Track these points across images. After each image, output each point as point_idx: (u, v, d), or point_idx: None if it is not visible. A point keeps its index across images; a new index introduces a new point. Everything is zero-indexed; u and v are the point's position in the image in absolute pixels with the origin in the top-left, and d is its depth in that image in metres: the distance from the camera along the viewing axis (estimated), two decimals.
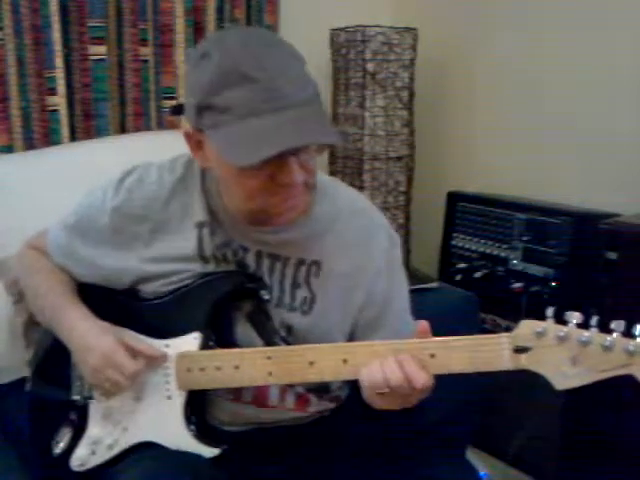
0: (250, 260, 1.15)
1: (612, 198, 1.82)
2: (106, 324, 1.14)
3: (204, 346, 1.12)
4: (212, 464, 1.09)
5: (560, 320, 0.92)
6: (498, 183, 2.16)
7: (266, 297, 1.13)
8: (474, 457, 1.76)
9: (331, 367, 1.01)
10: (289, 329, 1.15)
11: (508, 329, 1.96)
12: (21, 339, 1.62)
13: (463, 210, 2.07)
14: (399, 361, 0.96)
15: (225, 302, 1.13)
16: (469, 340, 0.96)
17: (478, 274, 1.98)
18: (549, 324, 0.92)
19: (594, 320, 0.90)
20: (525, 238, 1.88)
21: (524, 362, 0.93)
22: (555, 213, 1.82)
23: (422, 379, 0.95)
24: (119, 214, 1.16)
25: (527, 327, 0.93)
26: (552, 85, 2.04)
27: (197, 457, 1.10)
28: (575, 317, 0.91)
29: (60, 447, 1.20)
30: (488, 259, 1.98)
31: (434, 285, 1.81)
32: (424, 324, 0.99)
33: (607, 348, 0.88)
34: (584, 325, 0.91)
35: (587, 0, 1.93)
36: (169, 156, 1.21)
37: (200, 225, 1.14)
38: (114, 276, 1.19)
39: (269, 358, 1.05)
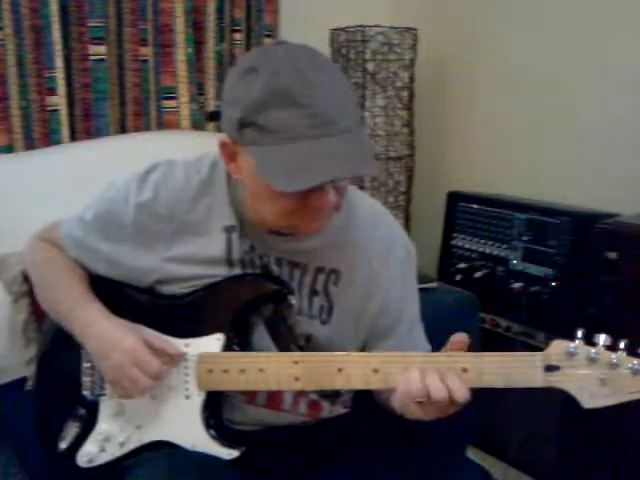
0: (272, 267, 1.15)
1: (612, 198, 1.82)
2: (124, 321, 1.13)
3: (227, 348, 1.11)
4: (227, 464, 1.09)
5: (589, 341, 0.95)
6: (498, 183, 2.16)
7: (293, 302, 1.13)
8: (474, 457, 1.76)
9: (360, 375, 1.01)
10: (308, 338, 1.15)
11: (508, 329, 1.97)
12: (20, 338, 1.62)
13: (463, 210, 2.07)
14: (441, 373, 0.96)
15: (251, 304, 1.13)
16: (502, 356, 0.98)
17: (478, 274, 1.97)
18: (580, 345, 0.95)
19: (622, 343, 0.94)
20: (525, 238, 1.88)
21: (555, 380, 0.96)
22: (555, 213, 1.82)
23: (463, 393, 0.95)
24: (144, 212, 1.14)
25: (558, 347, 0.96)
26: (552, 85, 2.04)
27: (213, 457, 1.10)
28: (603, 339, 0.94)
29: (66, 442, 1.19)
30: (488, 259, 1.98)
31: (434, 285, 1.81)
32: (461, 337, 0.99)
33: (637, 371, 0.92)
34: (612, 347, 0.94)
35: (587, 0, 1.93)
36: (169, 155, 1.21)
37: (229, 229, 1.13)
38: (133, 275, 1.17)
39: (296, 363, 1.04)
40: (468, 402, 0.96)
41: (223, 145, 1.04)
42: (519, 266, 1.89)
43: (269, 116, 0.94)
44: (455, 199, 2.11)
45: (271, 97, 0.94)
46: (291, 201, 0.99)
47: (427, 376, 0.96)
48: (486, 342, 1.72)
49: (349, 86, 1.03)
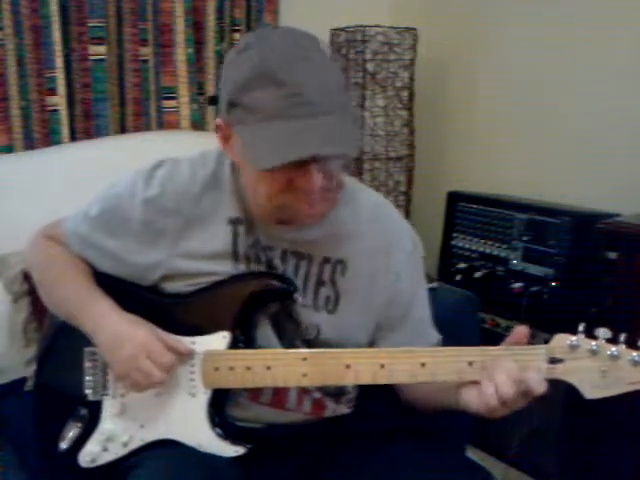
0: (277, 260, 1.14)
1: (612, 198, 1.82)
2: (135, 317, 1.13)
3: (233, 346, 1.11)
4: (228, 463, 1.09)
5: (590, 335, 0.97)
6: (498, 183, 2.17)
7: (299, 299, 1.13)
8: (474, 457, 1.76)
9: (368, 371, 1.02)
10: (317, 331, 1.15)
11: (508, 329, 1.97)
12: (20, 338, 1.62)
13: (463, 210, 2.07)
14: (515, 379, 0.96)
15: (257, 302, 1.13)
16: (507, 350, 1.00)
17: (478, 274, 1.97)
18: (581, 338, 0.97)
19: (622, 336, 0.96)
20: (525, 238, 1.88)
21: (558, 373, 0.98)
22: (555, 213, 1.82)
23: (542, 387, 0.96)
24: (151, 207, 1.14)
25: (561, 340, 0.98)
26: (552, 85, 2.04)
27: (215, 456, 1.09)
28: (603, 332, 0.96)
29: (67, 442, 1.18)
30: (488, 259, 1.98)
31: (434, 285, 1.80)
32: (522, 330, 1.00)
33: (636, 363, 0.94)
34: (613, 340, 0.96)
35: (587, 0, 1.93)
36: (169, 155, 1.21)
37: (235, 222, 1.13)
38: (138, 272, 1.17)
39: (305, 359, 1.05)
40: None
41: (218, 127, 1.06)
42: (519, 266, 1.89)
43: (252, 95, 0.97)
44: (455, 199, 2.11)
45: (256, 77, 0.96)
46: (277, 182, 1.00)
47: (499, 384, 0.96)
48: (486, 342, 1.71)
49: (337, 72, 1.03)
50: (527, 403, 0.99)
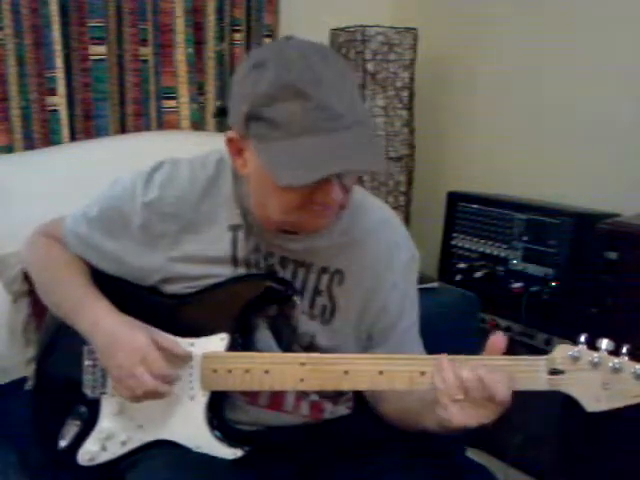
0: (277, 266, 1.14)
1: (612, 198, 1.82)
2: (132, 319, 1.12)
3: (231, 348, 1.11)
4: (226, 465, 1.09)
5: (592, 346, 0.96)
6: (498, 183, 2.16)
7: (298, 302, 1.13)
8: (475, 457, 1.76)
9: (366, 377, 1.01)
10: (311, 338, 1.15)
11: (508, 329, 1.97)
12: (20, 338, 1.62)
13: (463, 210, 2.07)
14: (473, 366, 0.95)
15: (255, 305, 1.13)
16: (507, 360, 0.98)
17: (478, 274, 1.97)
18: (583, 349, 0.96)
19: (625, 348, 0.95)
20: (525, 238, 1.88)
21: (559, 384, 0.97)
22: (555, 213, 1.82)
23: (503, 389, 0.93)
24: (150, 211, 1.14)
25: (562, 351, 0.97)
26: (552, 85, 2.04)
27: (213, 458, 1.09)
28: (606, 344, 0.95)
29: (66, 441, 1.18)
30: (488, 259, 1.98)
31: (434, 285, 1.81)
32: (498, 339, 0.98)
33: (639, 376, 0.93)
34: (615, 352, 0.95)
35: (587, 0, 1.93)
36: (169, 156, 1.20)
37: (235, 228, 1.13)
38: (136, 273, 1.17)
39: (303, 364, 1.04)
40: (509, 404, 0.94)
41: (230, 141, 1.04)
42: (519, 266, 1.89)
43: (276, 109, 0.94)
44: (455, 199, 2.11)
45: (279, 90, 0.94)
46: (297, 196, 0.98)
47: (461, 370, 0.94)
48: (486, 342, 1.71)
49: (354, 81, 1.03)
50: (495, 413, 0.95)
